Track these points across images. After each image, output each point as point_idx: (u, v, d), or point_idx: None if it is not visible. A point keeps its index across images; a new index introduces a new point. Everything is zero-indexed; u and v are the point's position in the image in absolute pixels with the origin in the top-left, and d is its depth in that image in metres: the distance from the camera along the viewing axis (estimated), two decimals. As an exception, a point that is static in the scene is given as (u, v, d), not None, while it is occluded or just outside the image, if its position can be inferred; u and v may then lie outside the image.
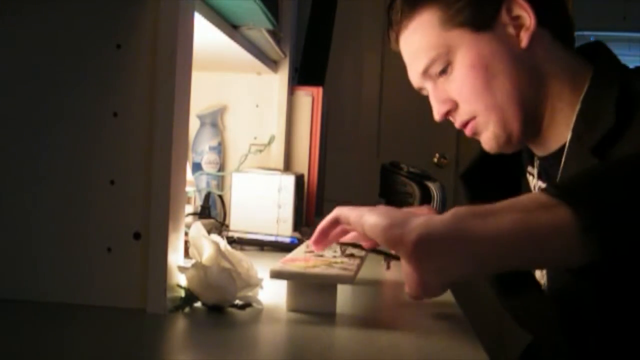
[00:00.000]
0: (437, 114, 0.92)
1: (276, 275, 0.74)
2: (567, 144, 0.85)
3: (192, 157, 1.44)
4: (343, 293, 0.79)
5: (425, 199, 1.42)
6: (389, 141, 2.57)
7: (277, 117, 1.48)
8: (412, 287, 0.60)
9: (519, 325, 0.97)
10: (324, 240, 0.79)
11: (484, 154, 0.95)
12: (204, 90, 1.47)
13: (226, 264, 0.72)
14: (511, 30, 0.86)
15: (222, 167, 1.47)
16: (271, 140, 1.47)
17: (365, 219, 0.63)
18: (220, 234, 1.14)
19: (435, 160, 2.56)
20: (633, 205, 0.55)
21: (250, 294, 0.75)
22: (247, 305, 0.73)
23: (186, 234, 0.76)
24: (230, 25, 1.09)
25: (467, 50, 0.87)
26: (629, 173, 0.58)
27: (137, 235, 0.71)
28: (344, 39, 2.21)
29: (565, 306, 0.83)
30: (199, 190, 1.37)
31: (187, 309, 0.72)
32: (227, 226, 1.29)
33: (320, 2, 1.72)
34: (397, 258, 0.78)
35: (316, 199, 1.50)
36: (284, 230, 1.27)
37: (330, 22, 1.76)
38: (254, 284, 0.75)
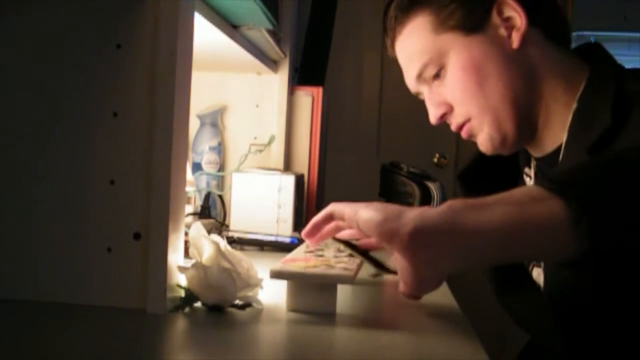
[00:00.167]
0: (433, 117, 0.92)
1: (276, 275, 0.74)
2: (563, 145, 0.85)
3: (192, 157, 1.44)
4: (343, 293, 0.79)
5: (425, 199, 1.42)
6: (389, 141, 2.57)
7: (277, 117, 1.48)
8: (408, 281, 0.60)
9: (516, 325, 0.97)
10: (315, 233, 0.79)
11: (481, 154, 0.96)
12: (204, 90, 1.47)
13: (226, 264, 0.72)
14: (503, 31, 0.87)
15: (222, 167, 1.47)
16: (271, 140, 1.47)
17: (360, 214, 0.63)
18: (220, 234, 1.14)
19: (435, 160, 2.56)
20: (624, 198, 0.56)
21: (250, 294, 0.75)
22: (247, 305, 0.73)
23: (186, 234, 0.76)
24: (230, 25, 1.09)
25: (459, 53, 0.87)
26: (621, 166, 0.59)
27: (137, 235, 0.71)
28: (344, 39, 2.21)
29: (561, 306, 0.83)
30: (199, 190, 1.37)
31: (187, 309, 0.72)
32: (227, 226, 1.29)
33: (320, 2, 1.72)
34: (391, 271, 0.78)
35: (316, 199, 1.50)
36: (284, 230, 1.27)
37: (330, 22, 1.76)
38: (254, 284, 0.75)
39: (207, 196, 1.32)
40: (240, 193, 1.28)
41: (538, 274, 0.93)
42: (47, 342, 0.61)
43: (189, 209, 1.23)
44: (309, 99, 1.53)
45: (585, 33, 3.45)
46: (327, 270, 0.76)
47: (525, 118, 0.87)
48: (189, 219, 1.19)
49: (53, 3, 0.72)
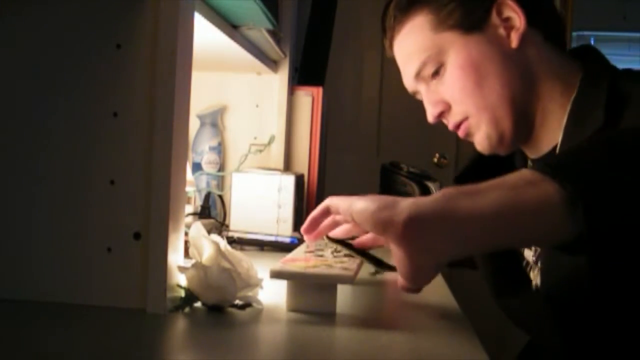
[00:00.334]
0: (431, 116, 0.93)
1: (276, 275, 0.74)
2: (558, 145, 0.85)
3: (192, 157, 1.44)
4: (343, 293, 0.79)
5: (425, 199, 1.42)
6: (389, 141, 2.57)
7: (277, 117, 1.48)
8: (405, 271, 0.60)
9: (514, 325, 0.97)
10: (314, 228, 0.80)
11: (478, 157, 0.96)
12: (204, 90, 1.47)
13: (226, 264, 0.72)
14: (502, 31, 0.87)
15: (222, 167, 1.47)
16: (271, 140, 1.47)
17: (354, 205, 0.63)
18: (220, 234, 1.14)
19: (435, 160, 2.56)
20: (619, 180, 0.55)
21: (250, 294, 0.75)
22: (247, 305, 0.73)
23: (186, 234, 0.76)
24: (230, 25, 1.09)
25: (458, 52, 0.87)
26: (615, 148, 0.59)
27: (137, 235, 0.71)
28: (344, 39, 2.21)
29: (559, 305, 0.83)
30: (199, 190, 1.37)
31: (187, 309, 0.72)
32: (227, 226, 1.29)
33: (320, 2, 1.71)
34: (389, 268, 0.77)
35: (316, 199, 1.50)
36: (284, 230, 1.27)
37: (330, 22, 1.76)
38: (254, 284, 0.75)
39: (207, 196, 1.32)
40: (240, 193, 1.28)
41: (534, 274, 0.93)
42: (47, 342, 0.61)
43: (189, 209, 1.23)
44: (309, 99, 1.53)
45: (585, 33, 3.45)
46: (327, 270, 0.76)
47: (523, 117, 0.88)
48: (189, 219, 1.19)
49: (53, 3, 0.72)
